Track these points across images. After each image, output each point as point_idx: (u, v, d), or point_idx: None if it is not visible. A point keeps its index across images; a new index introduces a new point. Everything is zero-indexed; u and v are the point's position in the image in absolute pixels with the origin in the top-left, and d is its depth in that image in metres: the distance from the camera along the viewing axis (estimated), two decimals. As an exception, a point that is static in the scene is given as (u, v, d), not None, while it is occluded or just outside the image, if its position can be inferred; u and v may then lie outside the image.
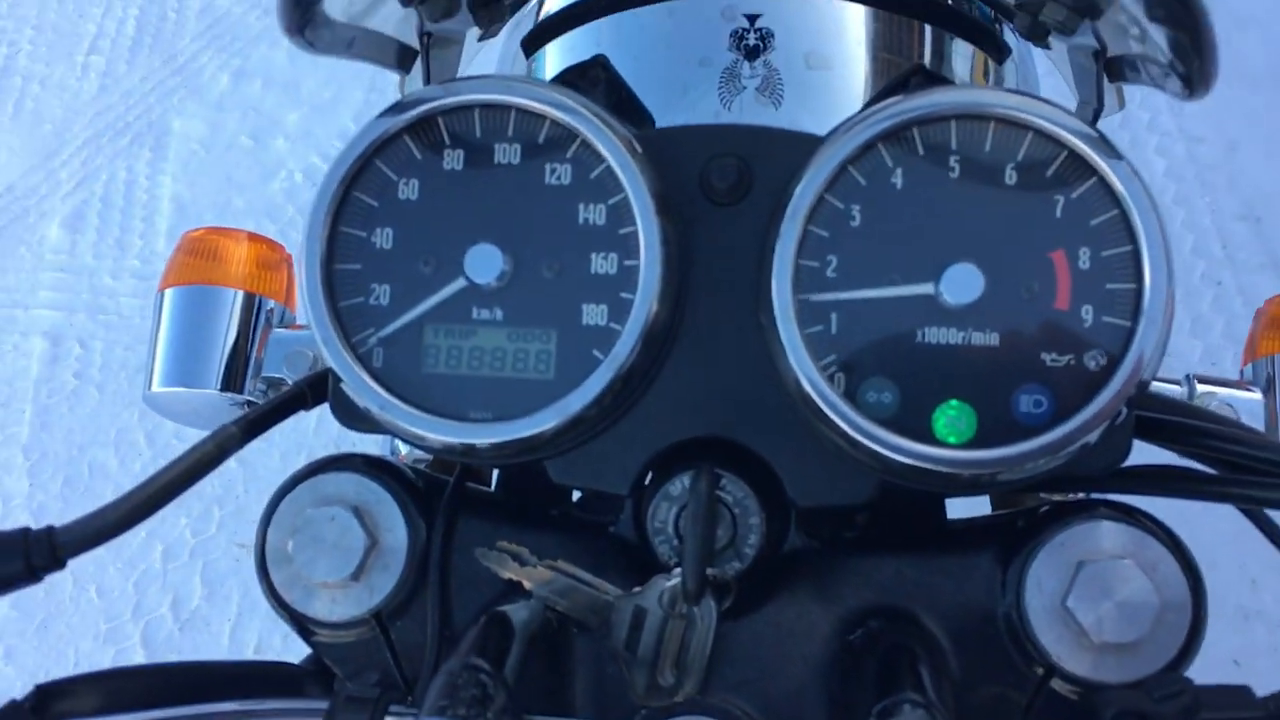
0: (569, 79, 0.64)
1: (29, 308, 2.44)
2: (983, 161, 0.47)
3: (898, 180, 0.47)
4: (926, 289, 0.46)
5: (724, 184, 0.49)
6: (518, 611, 0.49)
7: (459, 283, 0.49)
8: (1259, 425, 0.63)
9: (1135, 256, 0.45)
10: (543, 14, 0.69)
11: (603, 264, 0.48)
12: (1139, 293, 0.45)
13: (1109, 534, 0.48)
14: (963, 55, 0.67)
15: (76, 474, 2.28)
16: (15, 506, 2.23)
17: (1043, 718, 0.48)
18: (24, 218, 2.58)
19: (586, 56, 0.65)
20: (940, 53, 0.67)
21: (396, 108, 0.50)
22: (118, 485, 2.42)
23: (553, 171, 0.49)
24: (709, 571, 0.47)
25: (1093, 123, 0.65)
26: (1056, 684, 0.48)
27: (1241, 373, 0.66)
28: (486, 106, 0.49)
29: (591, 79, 0.63)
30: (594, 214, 0.48)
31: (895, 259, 0.47)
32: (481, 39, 0.67)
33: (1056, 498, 0.54)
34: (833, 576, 0.51)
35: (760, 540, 0.49)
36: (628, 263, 0.48)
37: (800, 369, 0.46)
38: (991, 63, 0.69)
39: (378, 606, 0.51)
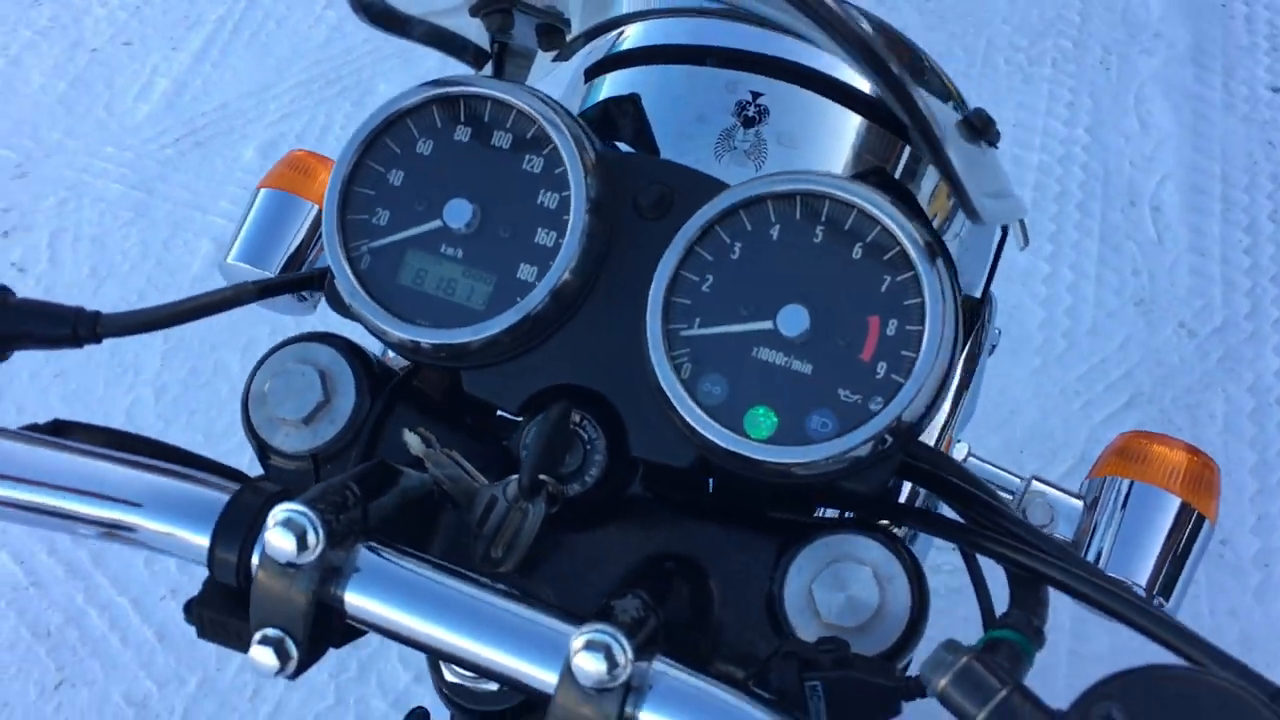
0: (607, 106, 0.80)
1: (207, 213, 2.72)
2: (841, 235, 0.60)
3: (774, 231, 0.61)
4: (766, 319, 0.60)
5: (647, 202, 0.64)
6: (410, 477, 0.64)
7: (436, 223, 0.64)
8: (1071, 529, 0.74)
9: (921, 335, 0.58)
10: (609, 53, 0.84)
11: (544, 238, 0.63)
12: (916, 361, 0.58)
13: (864, 546, 0.61)
14: (930, 175, 0.80)
15: (202, 366, 2.52)
16: (143, 380, 2.49)
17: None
18: (228, 134, 2.86)
19: (626, 92, 0.80)
20: (912, 170, 0.80)
21: (434, 83, 0.66)
22: (234, 386, 2.66)
23: (529, 161, 0.64)
24: (546, 481, 0.61)
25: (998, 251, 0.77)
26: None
27: (1081, 485, 0.77)
28: (498, 102, 0.65)
29: (622, 110, 0.79)
30: (549, 200, 0.64)
31: (753, 290, 0.61)
32: (554, 60, 0.83)
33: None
34: (653, 522, 0.65)
35: (600, 474, 0.63)
36: (561, 241, 0.63)
37: (654, 354, 0.60)
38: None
39: (316, 449, 0.67)
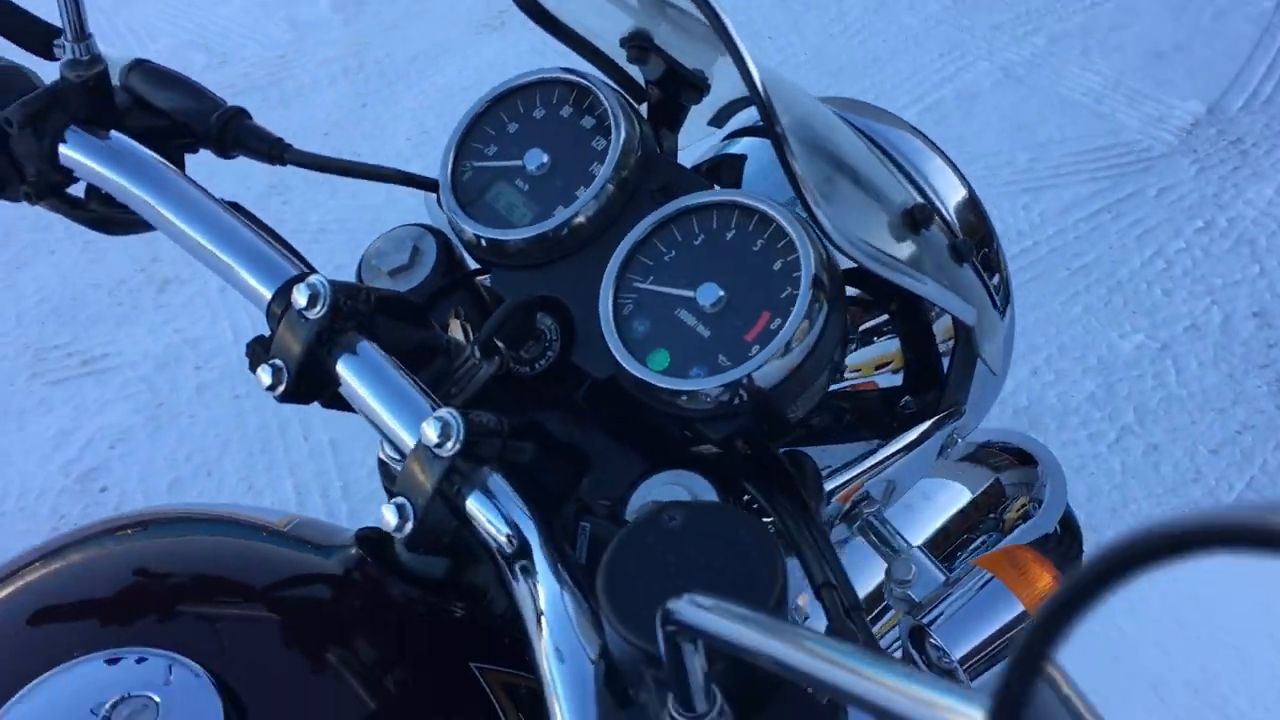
0: (723, 158, 1.01)
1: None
2: (772, 249, 0.77)
3: (730, 232, 0.79)
4: (691, 289, 0.77)
5: (656, 188, 0.83)
6: (428, 324, 0.85)
7: (518, 162, 0.87)
8: (923, 592, 0.83)
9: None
10: (747, 125, 1.05)
11: (580, 193, 0.84)
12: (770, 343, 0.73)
13: (700, 484, 0.75)
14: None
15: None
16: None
17: None
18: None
19: (739, 153, 1.00)
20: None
21: (565, 69, 0.89)
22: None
23: (597, 141, 0.86)
24: (500, 349, 0.80)
25: None
26: None
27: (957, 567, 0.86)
28: (597, 97, 0.87)
29: (730, 165, 0.99)
30: (595, 169, 0.85)
31: (696, 266, 0.78)
32: (709, 124, 1.04)
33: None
34: (575, 421, 0.82)
35: (548, 366, 0.82)
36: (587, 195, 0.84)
37: (604, 290, 0.79)
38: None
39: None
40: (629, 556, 0.57)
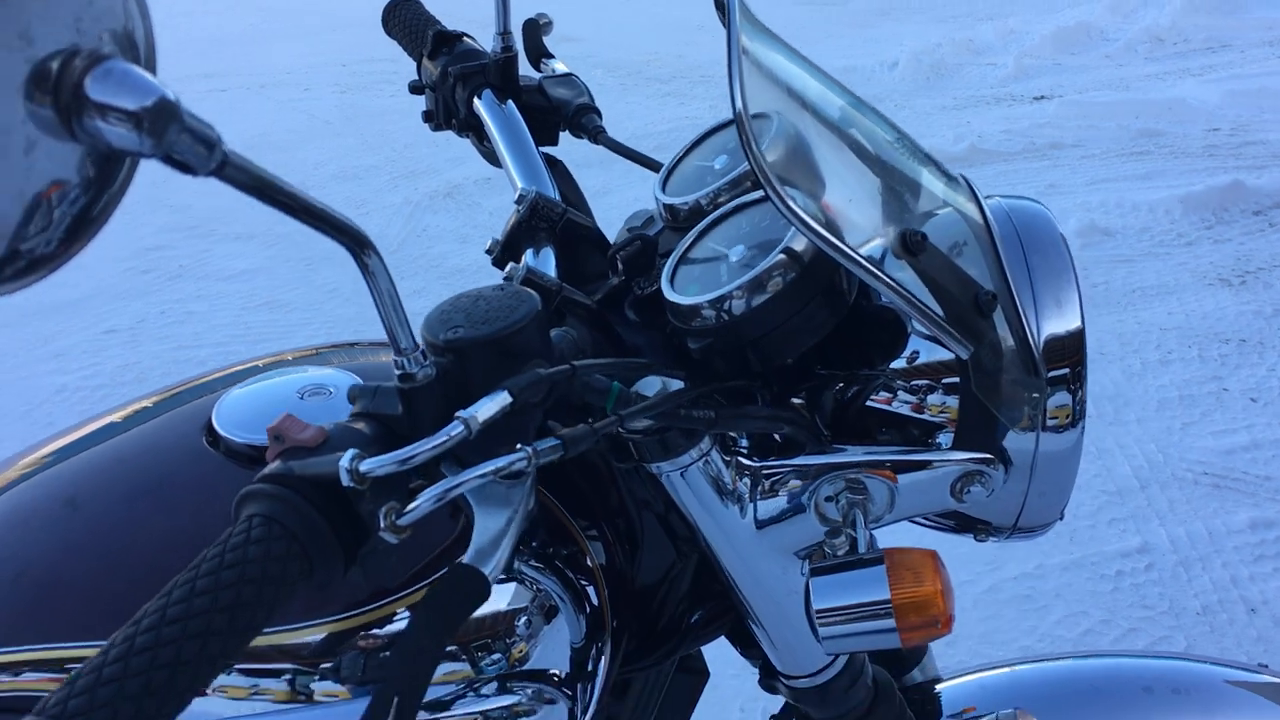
0: None
1: None
2: (777, 230, 0.96)
3: (776, 214, 0.99)
4: (729, 249, 1.00)
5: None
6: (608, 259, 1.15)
7: (712, 164, 1.13)
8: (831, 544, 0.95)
9: None
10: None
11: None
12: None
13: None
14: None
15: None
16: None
17: None
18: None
19: None
20: None
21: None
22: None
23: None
24: (620, 267, 1.08)
25: None
26: None
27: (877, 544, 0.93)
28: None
29: None
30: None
31: (746, 233, 1.00)
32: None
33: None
34: (649, 330, 1.06)
35: (651, 293, 1.07)
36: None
37: (681, 243, 1.03)
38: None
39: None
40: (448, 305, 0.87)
